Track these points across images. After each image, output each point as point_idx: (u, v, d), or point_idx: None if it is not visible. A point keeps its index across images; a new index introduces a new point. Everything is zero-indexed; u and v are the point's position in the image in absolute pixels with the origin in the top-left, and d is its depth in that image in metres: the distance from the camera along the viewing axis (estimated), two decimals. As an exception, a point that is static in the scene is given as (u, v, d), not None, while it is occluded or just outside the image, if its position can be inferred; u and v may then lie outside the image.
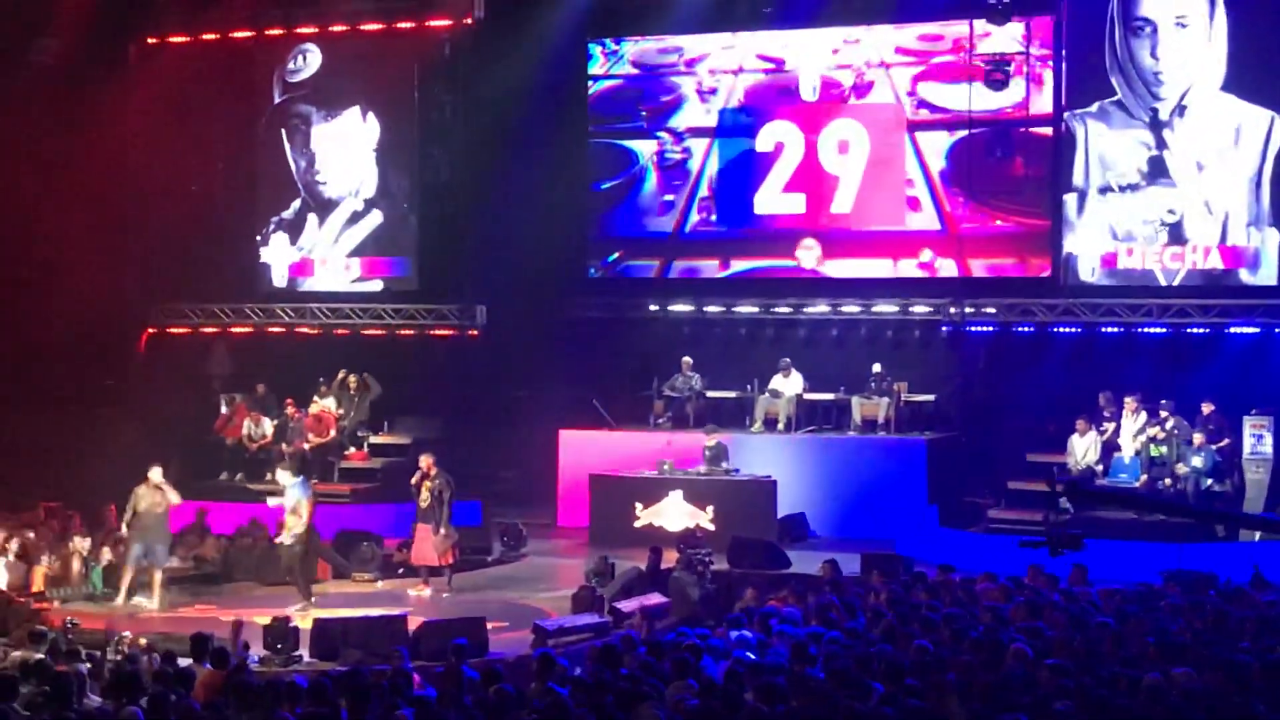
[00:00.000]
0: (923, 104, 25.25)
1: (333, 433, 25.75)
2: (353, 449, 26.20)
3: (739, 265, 26.47)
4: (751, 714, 10.42)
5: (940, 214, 25.13)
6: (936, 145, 25.13)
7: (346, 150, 27.81)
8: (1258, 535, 20.68)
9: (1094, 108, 23.88)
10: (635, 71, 27.03)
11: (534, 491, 25.82)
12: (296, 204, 28.15)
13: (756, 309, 26.31)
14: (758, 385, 25.35)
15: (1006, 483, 23.20)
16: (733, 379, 25.89)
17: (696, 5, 25.95)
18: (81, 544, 20.71)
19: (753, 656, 12.59)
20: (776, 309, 26.17)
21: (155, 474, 20.25)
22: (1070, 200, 24.04)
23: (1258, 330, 23.21)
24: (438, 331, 27.24)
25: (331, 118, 27.92)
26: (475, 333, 26.81)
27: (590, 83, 27.14)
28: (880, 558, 19.56)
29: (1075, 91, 24.09)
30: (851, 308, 25.73)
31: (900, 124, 25.32)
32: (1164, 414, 22.28)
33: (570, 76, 26.99)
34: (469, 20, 26.62)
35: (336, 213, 27.92)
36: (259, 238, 28.32)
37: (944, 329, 25.19)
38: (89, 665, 13.51)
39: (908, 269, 25.37)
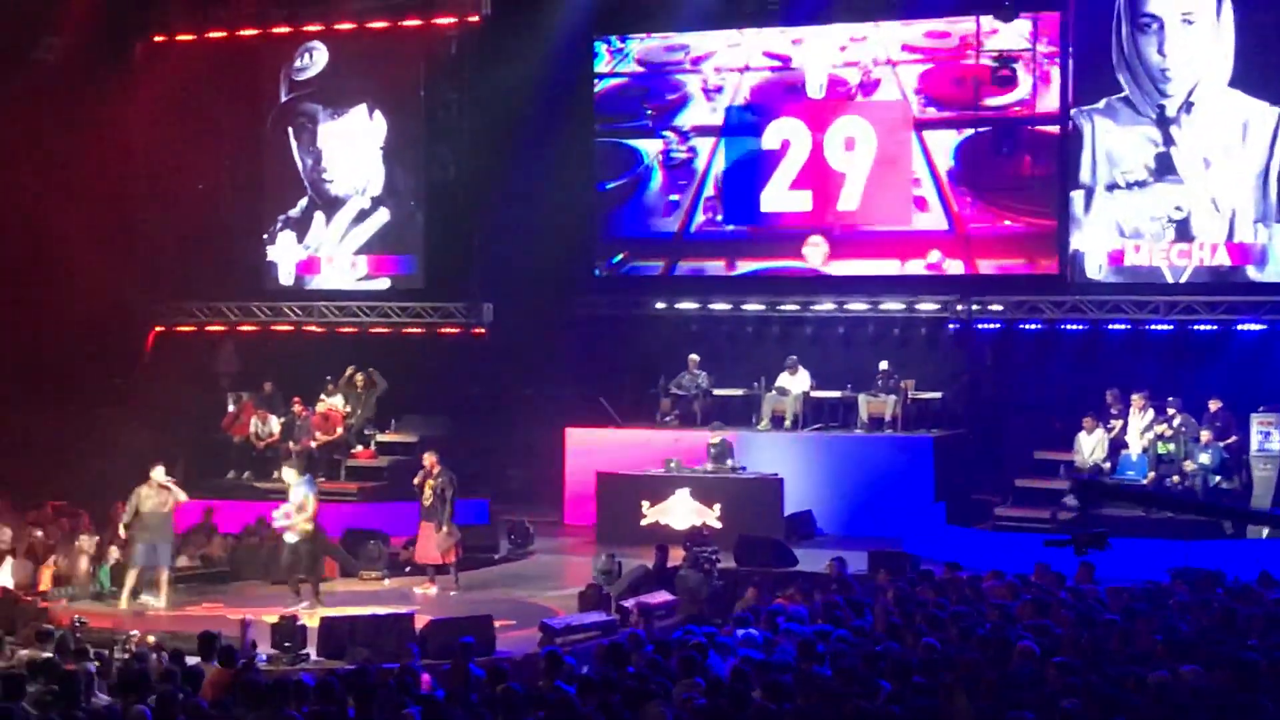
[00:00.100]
0: (930, 102, 25.22)
1: (340, 431, 25.76)
2: (360, 447, 26.21)
3: (745, 266, 26.45)
4: (759, 712, 10.41)
5: (948, 214, 25.09)
6: (944, 144, 25.09)
7: (353, 148, 27.82)
8: (1265, 532, 20.66)
9: (1101, 104, 23.85)
10: (640, 70, 27.01)
11: (541, 489, 25.84)
12: (303, 202, 28.16)
13: (763, 307, 26.30)
14: (764, 383, 25.34)
15: (1014, 480, 23.19)
16: (739, 377, 25.88)
17: (703, 2, 25.96)
18: (89, 543, 20.73)
19: (760, 655, 12.59)
20: (783, 307, 26.16)
21: (158, 473, 20.19)
22: (1077, 197, 24.02)
23: (1265, 327, 23.20)
24: (444, 329, 27.23)
25: (338, 116, 27.92)
26: (482, 330, 26.81)
27: (595, 81, 27.13)
28: (887, 555, 19.56)
29: (1082, 88, 24.07)
30: (858, 305, 25.71)
31: (907, 122, 25.29)
32: (1171, 411, 22.25)
33: (577, 74, 26.96)
34: (475, 18, 26.58)
35: (343, 211, 27.94)
36: (266, 236, 28.34)
37: (951, 326, 25.19)
38: (97, 664, 13.52)
39: (915, 269, 25.34)
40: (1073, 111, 24.07)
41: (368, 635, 16.54)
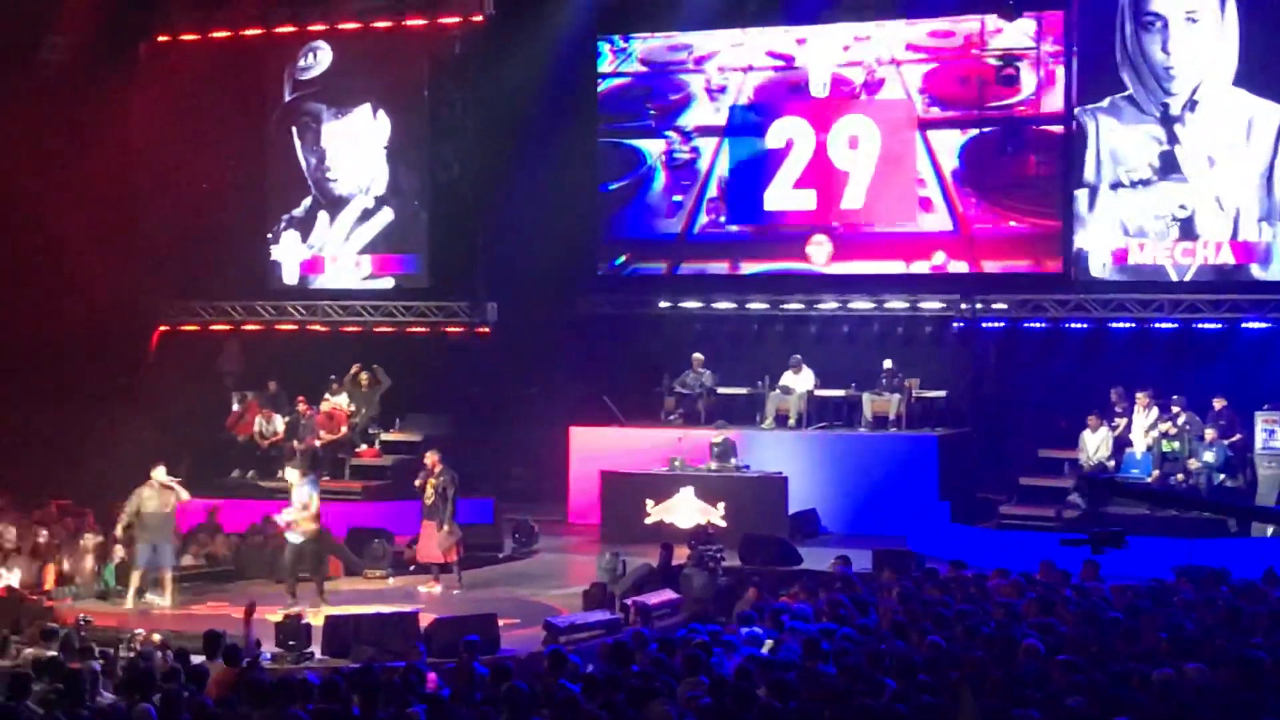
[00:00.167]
0: (934, 101, 25.21)
1: (344, 430, 25.77)
2: (364, 446, 26.23)
3: (749, 268, 26.42)
4: (763, 710, 10.41)
5: (953, 215, 25.05)
6: (948, 144, 25.06)
7: (357, 148, 27.83)
8: (1270, 530, 20.65)
9: (1105, 103, 23.84)
10: (644, 69, 26.99)
11: (545, 488, 25.85)
12: (307, 201, 28.17)
13: (767, 305, 26.28)
14: (769, 382, 25.34)
15: (1018, 479, 23.21)
16: (744, 375, 25.88)
17: (706, 2, 25.96)
18: (93, 541, 20.74)
19: (764, 653, 12.60)
20: (787, 305, 26.14)
21: (159, 473, 20.16)
22: (1081, 196, 24.01)
23: (1269, 325, 23.19)
24: (449, 329, 27.24)
25: (342, 115, 27.93)
26: (486, 329, 26.82)
27: (599, 80, 27.12)
28: (892, 554, 19.53)
29: (1086, 87, 24.06)
30: (862, 304, 25.70)
31: (911, 122, 25.27)
32: (1176, 409, 22.23)
33: (580, 74, 26.95)
34: (479, 18, 26.58)
35: (347, 210, 27.95)
36: (270, 235, 28.36)
37: (955, 325, 25.19)
38: (102, 662, 13.53)
39: (920, 271, 25.30)
40: (1077, 110, 24.06)
41: (372, 634, 16.56)
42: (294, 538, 19.76)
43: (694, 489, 23.39)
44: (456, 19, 26.85)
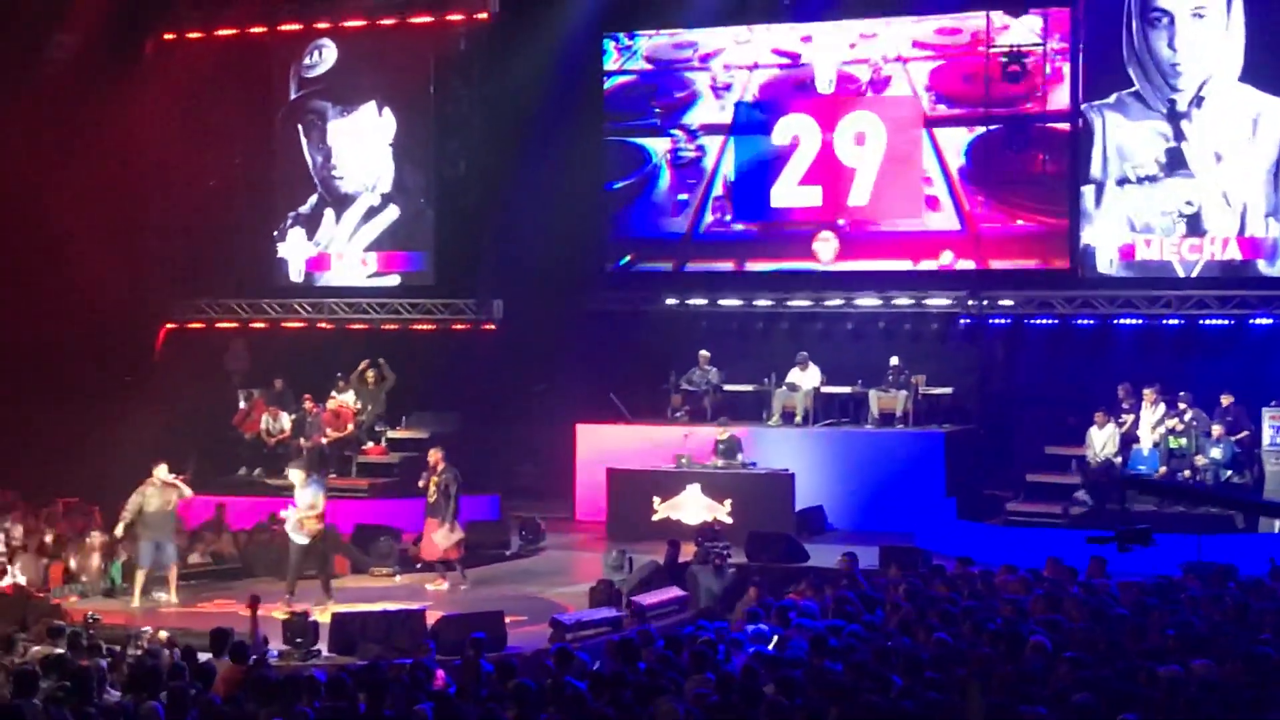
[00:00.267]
0: (941, 99, 25.17)
1: (350, 427, 25.78)
2: (371, 443, 26.25)
3: (755, 267, 26.39)
4: (770, 707, 10.40)
5: (960, 213, 25.00)
6: (955, 142, 25.02)
7: (363, 145, 27.83)
8: (1277, 526, 20.63)
9: (1112, 99, 23.81)
10: (649, 67, 26.96)
11: (551, 485, 25.86)
12: (313, 199, 28.18)
13: (773, 303, 26.26)
14: (775, 379, 25.33)
15: (1025, 475, 23.22)
16: (750, 372, 25.87)
17: (711, -1, 26.00)
18: (100, 539, 20.76)
19: (770, 650, 12.59)
20: (793, 302, 26.12)
21: (161, 471, 20.17)
22: (1088, 192, 23.98)
23: (1276, 321, 23.15)
24: (455, 326, 27.22)
25: (348, 113, 27.94)
26: (492, 327, 26.81)
27: (604, 78, 27.10)
28: (899, 550, 19.50)
29: (1093, 83, 24.02)
30: (869, 301, 25.68)
31: (918, 119, 25.24)
32: (1183, 406, 22.23)
33: (586, 71, 26.95)
34: (484, 15, 26.60)
35: (353, 208, 27.95)
36: (276, 233, 28.36)
37: (962, 322, 25.18)
38: (109, 660, 13.55)
39: (928, 268, 25.27)
40: (1083, 106, 24.04)
41: (379, 631, 16.59)
42: (300, 539, 19.61)
43: (700, 486, 23.39)
44: (461, 16, 26.85)
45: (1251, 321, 23.34)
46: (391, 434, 26.56)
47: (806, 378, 25.07)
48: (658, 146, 26.83)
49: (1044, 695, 10.44)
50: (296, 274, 28.37)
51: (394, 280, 27.84)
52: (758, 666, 11.57)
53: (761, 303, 26.34)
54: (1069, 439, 23.09)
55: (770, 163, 26.04)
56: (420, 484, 21.02)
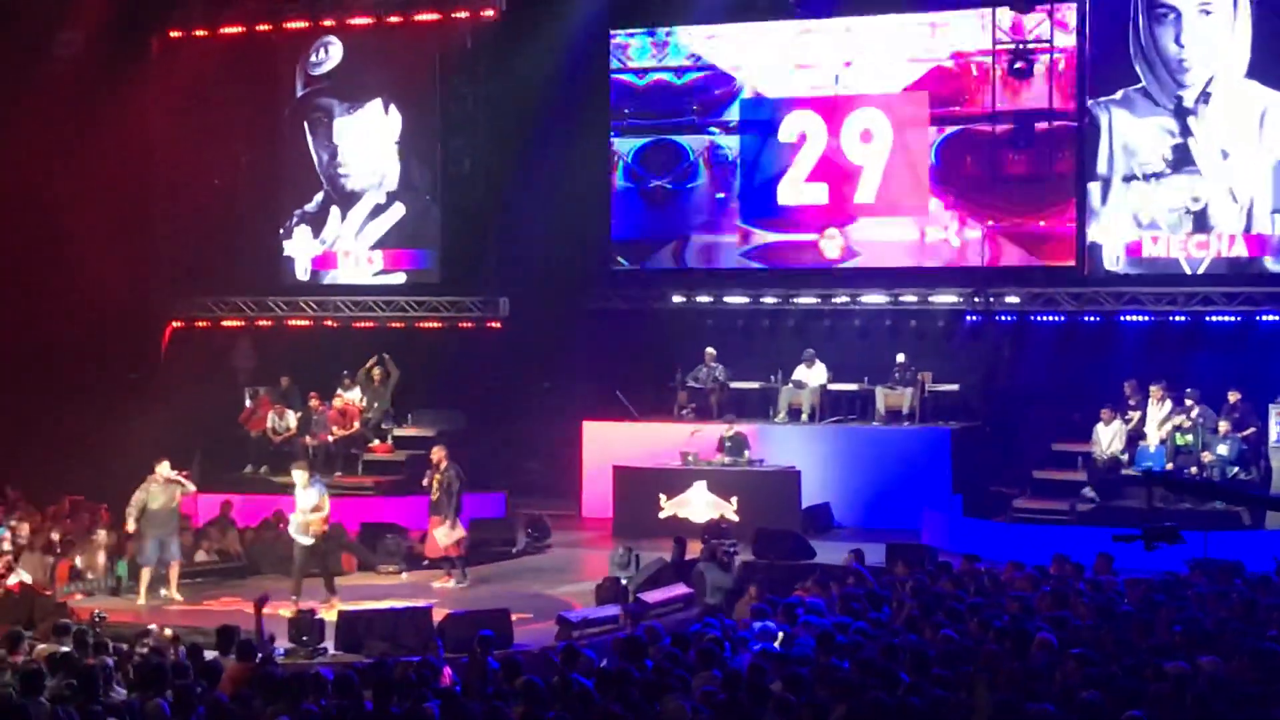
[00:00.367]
0: (947, 95, 25.10)
1: (356, 425, 25.78)
2: (377, 441, 26.25)
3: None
4: (778, 704, 10.39)
5: (965, 211, 24.96)
6: (959, 140, 24.98)
7: (368, 143, 27.84)
8: (1285, 522, 20.64)
9: (1118, 95, 23.78)
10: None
11: (558, 483, 25.85)
12: (319, 197, 28.19)
13: (779, 299, 26.24)
14: (781, 376, 25.33)
15: (1031, 472, 23.20)
16: (756, 370, 25.87)
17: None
18: (107, 538, 20.76)
19: (777, 647, 12.58)
20: (799, 299, 26.11)
21: (164, 468, 20.13)
22: (1094, 189, 23.96)
23: (1283, 318, 23.16)
24: (461, 323, 27.24)
25: (354, 110, 27.95)
26: (498, 324, 26.82)
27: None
28: (905, 548, 19.50)
29: (1099, 79, 24.00)
30: (875, 298, 25.65)
31: (923, 117, 25.21)
32: (1189, 402, 22.19)
33: (592, 68, 26.91)
34: (490, 12, 26.62)
35: (359, 205, 27.96)
36: (282, 231, 28.37)
37: (968, 319, 25.16)
38: (115, 658, 13.54)
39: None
40: (1089, 103, 24.01)
41: (385, 629, 16.58)
42: (304, 540, 19.44)
43: (707, 483, 23.38)
44: (467, 14, 26.88)
45: (1258, 318, 23.34)
46: (398, 432, 26.56)
47: (813, 375, 25.06)
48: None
49: (1051, 692, 10.43)
50: (302, 272, 28.38)
51: (400, 278, 27.85)
52: (765, 664, 11.56)
53: (768, 300, 26.31)
54: (1075, 436, 23.07)
55: (777, 160, 26.00)
56: (424, 482, 21.05)
